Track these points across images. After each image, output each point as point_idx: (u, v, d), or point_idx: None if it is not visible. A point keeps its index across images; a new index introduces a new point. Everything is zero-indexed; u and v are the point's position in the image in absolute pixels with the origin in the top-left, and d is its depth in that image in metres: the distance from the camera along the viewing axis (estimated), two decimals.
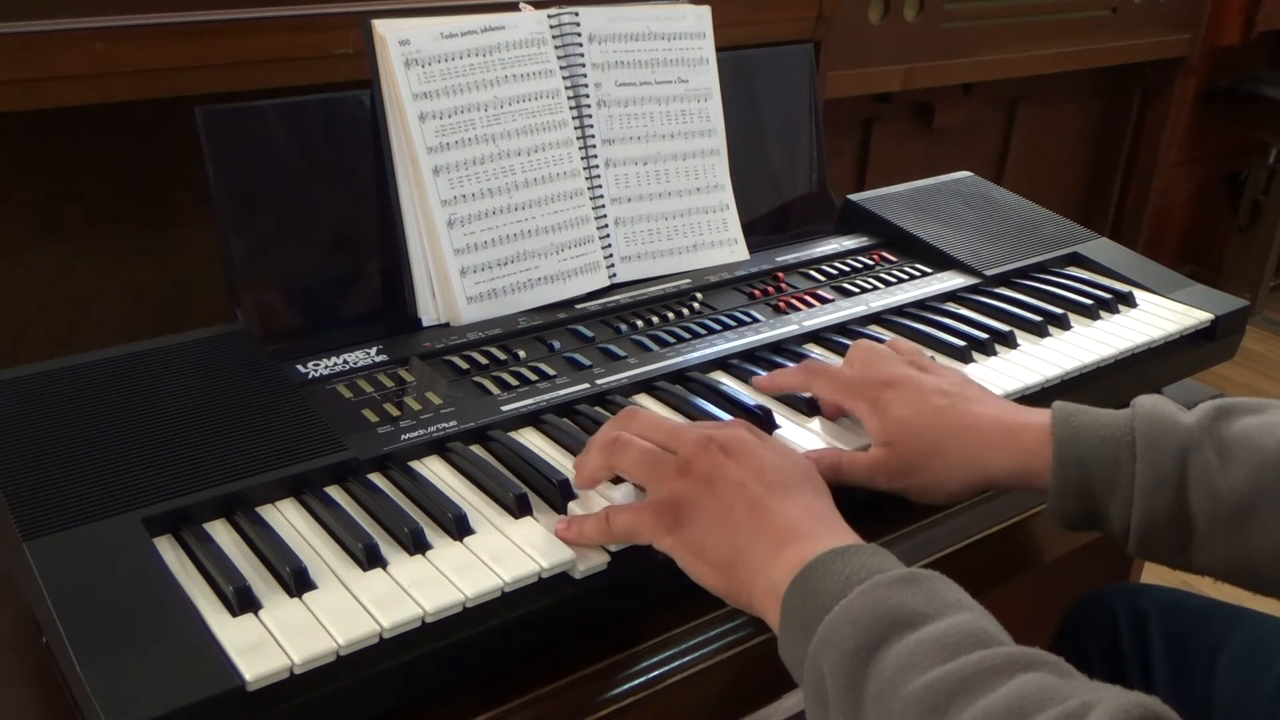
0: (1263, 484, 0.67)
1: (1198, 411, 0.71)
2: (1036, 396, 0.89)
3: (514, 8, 0.98)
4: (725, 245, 1.07)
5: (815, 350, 0.94)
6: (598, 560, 0.65)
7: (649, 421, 0.69)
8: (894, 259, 1.11)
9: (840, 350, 0.91)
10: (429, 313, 0.92)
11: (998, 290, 1.06)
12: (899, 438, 0.74)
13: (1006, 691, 0.48)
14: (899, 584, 0.55)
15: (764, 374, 0.86)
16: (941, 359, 0.91)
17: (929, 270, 1.08)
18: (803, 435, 0.80)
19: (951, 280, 1.06)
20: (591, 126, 1.00)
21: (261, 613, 0.60)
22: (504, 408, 0.80)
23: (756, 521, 0.62)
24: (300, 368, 0.83)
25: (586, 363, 0.87)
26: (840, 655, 0.53)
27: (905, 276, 1.07)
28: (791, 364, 0.89)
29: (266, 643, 0.57)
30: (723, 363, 0.90)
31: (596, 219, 1.00)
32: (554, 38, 0.98)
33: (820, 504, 0.65)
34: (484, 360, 0.86)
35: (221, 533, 0.66)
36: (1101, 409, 0.73)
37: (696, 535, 0.63)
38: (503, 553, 0.65)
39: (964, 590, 0.57)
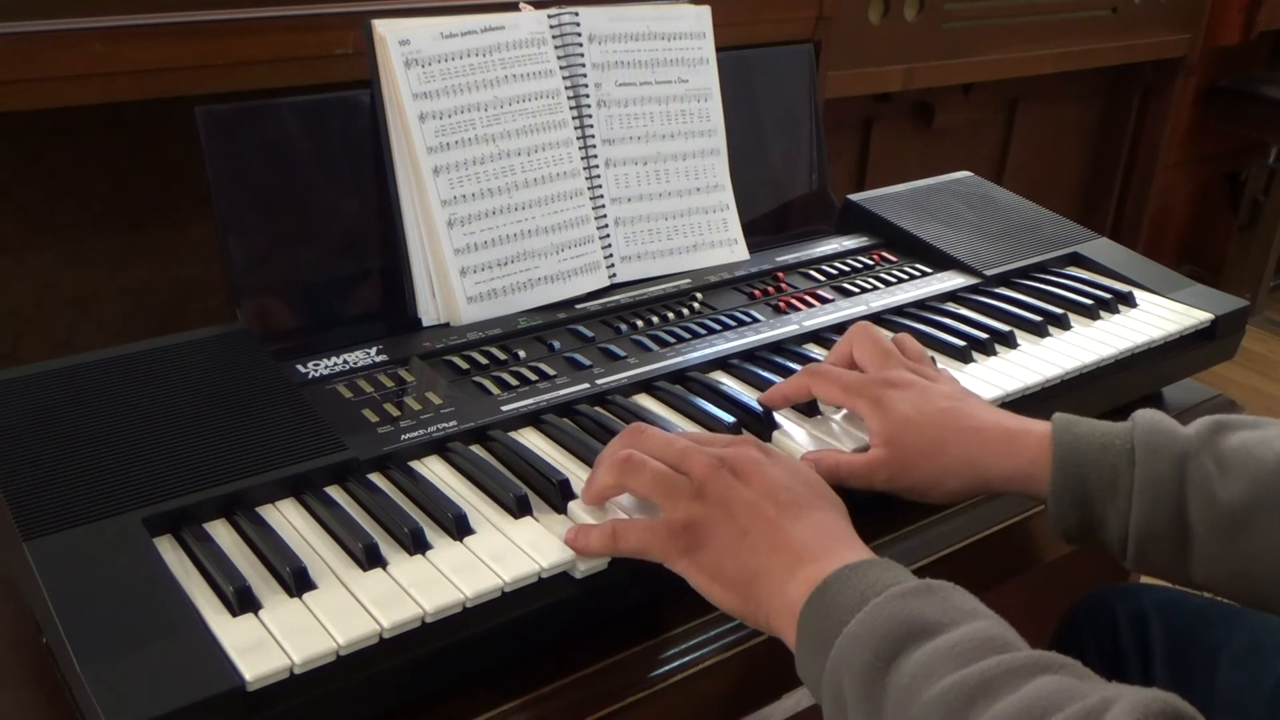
0: (1262, 495, 0.67)
1: (1196, 425, 0.72)
2: (1037, 396, 0.89)
3: (514, 8, 0.98)
4: (725, 245, 1.07)
5: (815, 350, 0.94)
6: (598, 560, 0.65)
7: (659, 440, 0.69)
8: (894, 259, 1.11)
9: None
10: (429, 313, 0.92)
11: (998, 290, 1.06)
12: (900, 435, 0.74)
13: (1025, 693, 0.49)
14: (914, 594, 0.56)
15: (773, 381, 0.85)
16: (941, 359, 0.91)
17: (929, 270, 1.08)
18: (802, 435, 0.80)
19: (951, 280, 1.06)
20: (591, 126, 1.00)
21: (261, 613, 0.60)
22: (504, 408, 0.80)
23: (772, 543, 0.62)
24: (300, 368, 0.83)
25: (586, 363, 0.87)
26: (859, 666, 0.54)
27: (905, 276, 1.07)
28: (792, 364, 0.89)
29: (266, 643, 0.57)
30: (723, 363, 0.90)
31: (596, 219, 1.00)
32: (554, 38, 0.98)
33: (833, 519, 0.65)
34: (484, 360, 0.86)
35: (221, 533, 0.66)
36: (1101, 421, 0.73)
37: (712, 558, 0.63)
38: (503, 553, 0.65)
39: (979, 600, 0.57)
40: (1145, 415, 0.72)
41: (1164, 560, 0.70)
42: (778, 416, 0.81)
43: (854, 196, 1.18)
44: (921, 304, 1.02)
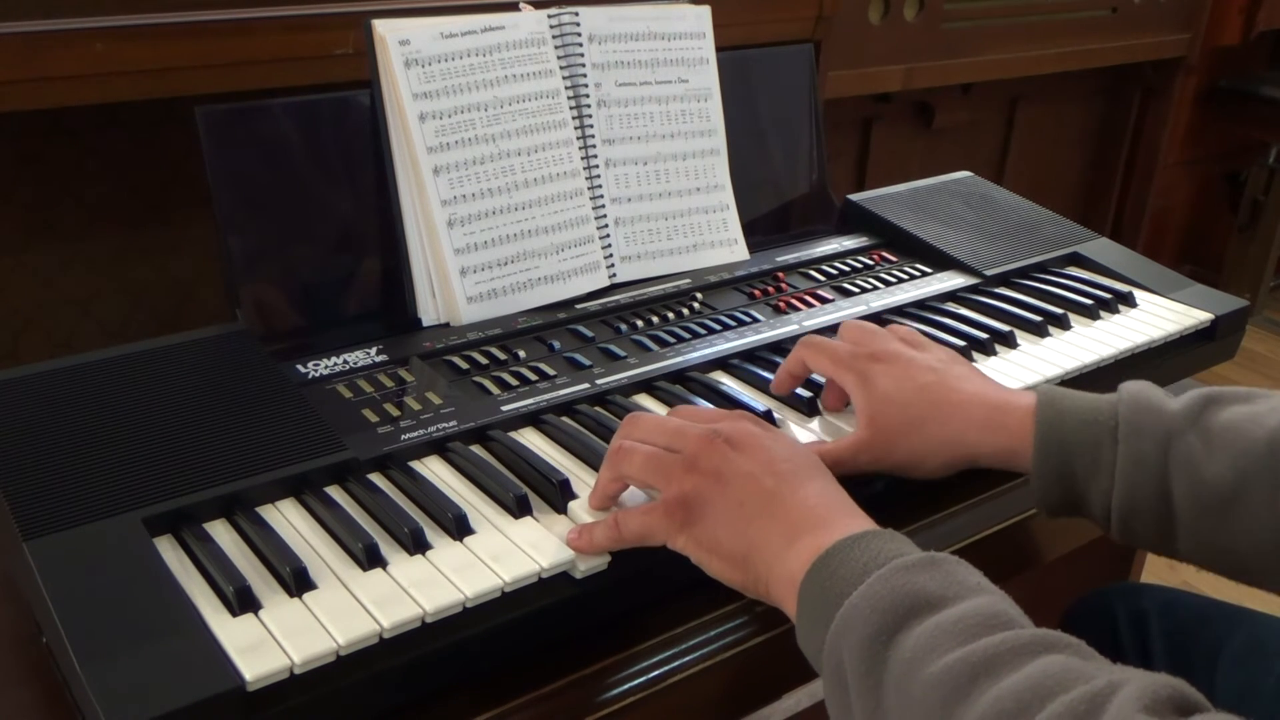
0: (1249, 473, 0.66)
1: (1184, 399, 0.71)
2: None
3: (514, 8, 0.98)
4: (725, 245, 1.07)
5: None
6: (598, 560, 0.65)
7: (651, 424, 0.69)
8: (894, 259, 1.11)
9: None
10: (429, 313, 0.92)
11: (998, 290, 1.06)
12: (879, 415, 0.74)
13: (1030, 671, 0.48)
14: (917, 568, 0.55)
15: (768, 375, 0.85)
16: None
17: (929, 270, 1.08)
18: (801, 435, 0.80)
19: (951, 280, 1.06)
20: (591, 126, 1.00)
21: (261, 613, 0.60)
22: (504, 408, 0.80)
23: (770, 513, 0.62)
24: (300, 368, 0.83)
25: (586, 363, 0.87)
26: (859, 640, 0.53)
27: (905, 276, 1.07)
28: None
29: (266, 643, 0.57)
30: (723, 363, 0.90)
31: (596, 219, 1.00)
32: (554, 38, 0.98)
33: (832, 490, 0.64)
34: (484, 360, 0.86)
35: (221, 533, 0.66)
36: (1087, 393, 0.72)
37: (710, 531, 0.63)
38: (503, 553, 0.65)
39: (983, 574, 0.56)
40: (1132, 389, 0.71)
41: (1148, 535, 0.69)
42: (777, 415, 0.81)
43: (854, 196, 1.18)
44: (921, 304, 1.02)
